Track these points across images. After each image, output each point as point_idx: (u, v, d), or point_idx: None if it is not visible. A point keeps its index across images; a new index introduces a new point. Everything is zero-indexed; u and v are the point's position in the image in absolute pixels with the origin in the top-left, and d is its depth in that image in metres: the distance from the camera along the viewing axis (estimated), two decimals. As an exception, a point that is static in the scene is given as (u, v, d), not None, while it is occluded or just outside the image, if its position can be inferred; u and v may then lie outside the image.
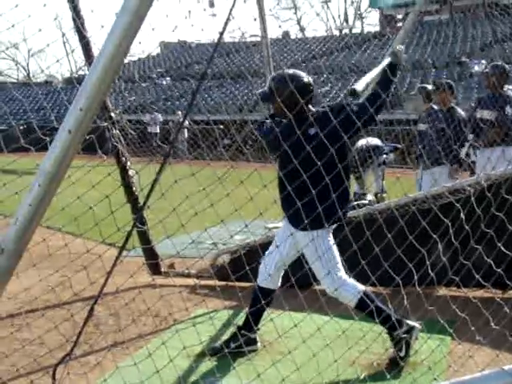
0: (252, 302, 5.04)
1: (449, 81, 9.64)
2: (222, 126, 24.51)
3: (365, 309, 4.62)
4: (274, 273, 4.95)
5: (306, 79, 4.73)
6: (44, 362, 4.78)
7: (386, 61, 4.72)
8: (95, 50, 6.56)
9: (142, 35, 3.48)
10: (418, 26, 31.79)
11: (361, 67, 30.76)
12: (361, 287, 4.70)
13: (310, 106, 4.76)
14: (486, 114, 8.21)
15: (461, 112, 8.68)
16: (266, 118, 4.94)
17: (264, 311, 5.07)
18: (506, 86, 8.44)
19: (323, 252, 4.60)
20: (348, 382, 4.39)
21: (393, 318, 4.66)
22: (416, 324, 4.69)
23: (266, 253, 5.02)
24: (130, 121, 17.69)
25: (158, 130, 25.39)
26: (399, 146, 12.39)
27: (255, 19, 5.97)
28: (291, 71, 4.82)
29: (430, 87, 9.37)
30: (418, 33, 33.84)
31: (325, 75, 27.25)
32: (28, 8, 5.75)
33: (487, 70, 8.56)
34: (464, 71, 28.13)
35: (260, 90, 4.94)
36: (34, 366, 4.74)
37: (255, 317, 5.05)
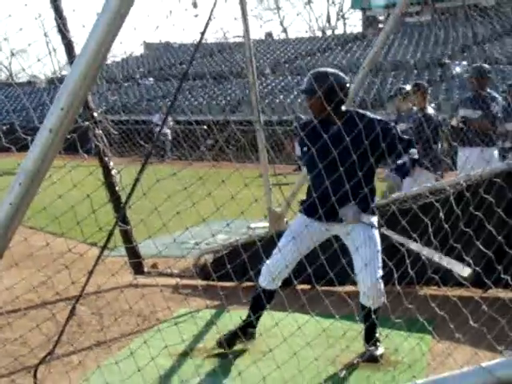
0: (253, 302, 5.05)
1: (421, 82, 9.76)
2: (204, 127, 24.52)
3: (377, 313, 4.69)
4: (280, 275, 4.95)
5: (345, 78, 4.81)
6: (26, 361, 4.76)
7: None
8: (77, 50, 6.54)
9: (123, 35, 3.49)
10: (399, 28, 31.93)
11: (343, 68, 30.88)
12: None
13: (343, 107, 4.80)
14: (469, 113, 8.31)
15: (434, 114, 8.81)
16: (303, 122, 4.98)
17: (264, 310, 5.05)
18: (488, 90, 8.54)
19: (364, 241, 4.63)
20: (329, 380, 4.40)
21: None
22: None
23: (275, 252, 4.93)
24: (113, 121, 17.68)
25: (169, 130, 25.15)
26: None
27: (235, 19, 5.98)
28: (331, 69, 4.89)
29: (408, 88, 9.48)
30: (399, 34, 34.00)
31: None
32: (9, 7, 5.72)
33: (479, 71, 8.62)
34: (445, 72, 28.28)
35: (304, 86, 4.90)
36: (16, 365, 4.72)
37: (255, 314, 5.03)
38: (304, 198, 4.93)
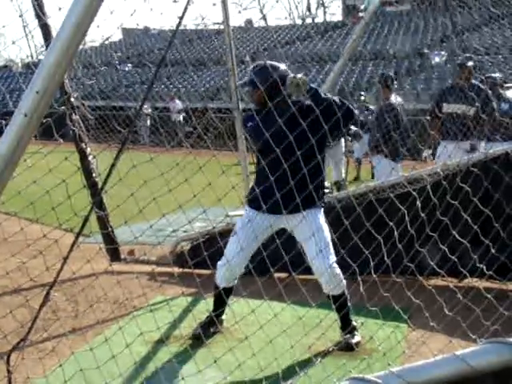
0: (215, 300, 5.20)
1: (386, 72, 9.96)
2: (183, 114, 24.42)
3: (344, 299, 4.77)
4: (234, 274, 5.03)
5: (283, 68, 4.90)
6: (-1, 348, 4.72)
7: None
8: (54, 34, 6.47)
9: (101, 19, 3.45)
10: (378, 16, 31.97)
11: (322, 57, 30.91)
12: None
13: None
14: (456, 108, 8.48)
15: (397, 103, 8.99)
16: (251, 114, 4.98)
17: (226, 304, 5.19)
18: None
19: (316, 230, 4.70)
20: (304, 367, 4.42)
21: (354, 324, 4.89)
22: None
23: (225, 255, 5.03)
24: (90, 106, 17.50)
25: (182, 118, 24.94)
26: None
27: (214, 4, 5.94)
28: (272, 62, 4.98)
29: (391, 74, 9.66)
30: (379, 23, 34.03)
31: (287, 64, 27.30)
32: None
33: (469, 62, 8.72)
34: (424, 62, 28.37)
35: (241, 81, 5.03)
36: (-11, 352, 4.68)
37: (219, 310, 5.13)
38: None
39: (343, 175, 11.99)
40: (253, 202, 4.88)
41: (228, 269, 4.99)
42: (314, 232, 4.67)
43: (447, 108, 8.52)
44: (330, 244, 4.74)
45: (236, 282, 5.10)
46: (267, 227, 4.87)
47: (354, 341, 4.79)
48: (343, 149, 12.03)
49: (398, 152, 8.60)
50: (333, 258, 4.70)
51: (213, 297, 5.19)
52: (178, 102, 25.82)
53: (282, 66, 4.93)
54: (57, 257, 4.45)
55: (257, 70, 4.90)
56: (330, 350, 4.73)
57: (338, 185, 11.47)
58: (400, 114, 8.74)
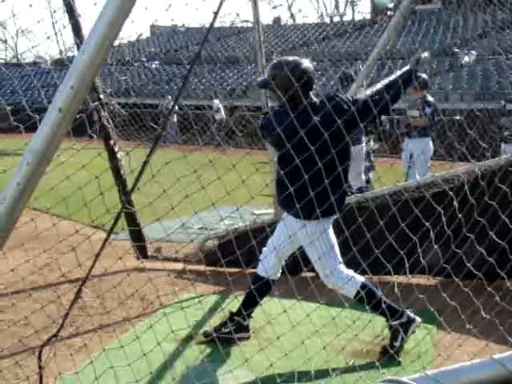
0: (249, 290, 5.01)
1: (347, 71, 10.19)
2: (212, 111, 24.43)
3: (365, 300, 4.64)
4: (275, 262, 4.92)
5: (304, 65, 4.60)
6: (29, 343, 4.73)
7: (406, 68, 4.70)
8: (85, 30, 6.49)
9: (134, 14, 3.42)
10: (409, 15, 31.70)
11: (352, 54, 30.69)
12: (359, 278, 4.69)
13: (311, 94, 4.65)
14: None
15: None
16: (266, 113, 4.90)
17: (260, 301, 5.04)
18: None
19: (316, 240, 4.59)
20: (336, 369, 4.37)
21: (396, 308, 4.70)
22: (417, 318, 4.68)
23: (268, 242, 4.97)
24: (119, 103, 17.62)
25: (224, 116, 24.87)
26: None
27: (248, 1, 5.89)
28: (290, 57, 4.73)
29: (424, 75, 9.87)
30: (409, 22, 33.77)
31: (320, 61, 27.14)
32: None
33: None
34: (454, 62, 28.12)
35: (260, 78, 4.89)
36: (19, 346, 4.69)
37: (250, 305, 5.02)
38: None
39: (371, 178, 11.70)
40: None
41: (276, 256, 4.87)
42: (307, 244, 4.63)
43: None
44: (335, 252, 4.66)
45: (279, 275, 5.02)
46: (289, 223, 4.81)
47: (396, 343, 4.68)
48: (363, 151, 11.45)
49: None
50: (330, 266, 4.63)
51: (247, 294, 5.08)
52: (216, 101, 25.74)
53: (306, 63, 4.65)
54: (86, 253, 4.45)
55: (270, 68, 4.70)
56: (363, 351, 4.66)
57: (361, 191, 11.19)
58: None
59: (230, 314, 5.10)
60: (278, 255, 4.85)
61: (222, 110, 25.04)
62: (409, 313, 4.67)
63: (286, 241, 4.82)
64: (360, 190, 10.04)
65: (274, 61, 4.77)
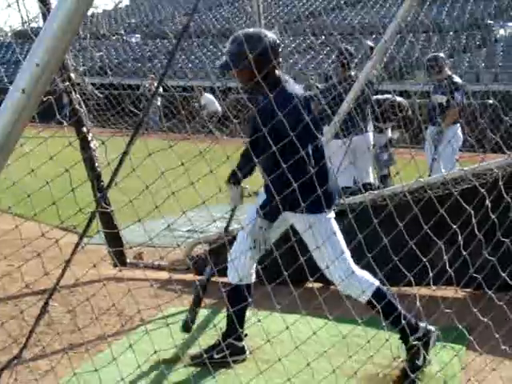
0: (230, 304, 5.04)
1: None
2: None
3: (378, 306, 4.65)
4: (247, 265, 4.97)
5: (271, 38, 4.71)
6: (-14, 366, 4.73)
7: None
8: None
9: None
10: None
11: (370, 26, 30.63)
12: (374, 280, 4.71)
13: (278, 72, 4.76)
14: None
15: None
16: None
17: (246, 311, 5.07)
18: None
19: (325, 238, 4.65)
20: (348, 397, 4.38)
21: (410, 321, 4.69)
22: (432, 328, 4.69)
23: (234, 246, 5.02)
24: (93, 84, 17.58)
25: (219, 109, 24.85)
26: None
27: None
28: (251, 30, 4.89)
29: (442, 55, 9.97)
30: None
31: (330, 35, 27.11)
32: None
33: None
34: (487, 36, 28.14)
35: (219, 62, 4.91)
36: (-25, 370, 4.69)
37: (238, 323, 5.03)
38: None
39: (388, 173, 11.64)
40: None
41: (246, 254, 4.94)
42: (318, 241, 4.67)
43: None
44: (345, 251, 4.74)
45: (253, 277, 5.07)
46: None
47: (417, 362, 4.69)
48: (370, 141, 11.26)
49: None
50: (348, 268, 4.70)
51: (228, 313, 5.12)
52: (206, 96, 25.80)
53: (267, 33, 4.76)
54: (54, 260, 4.45)
55: (233, 44, 4.75)
56: (380, 375, 4.68)
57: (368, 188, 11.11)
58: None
59: (222, 334, 5.12)
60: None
61: (217, 103, 25.00)
62: (422, 324, 4.71)
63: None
64: (365, 187, 10.01)
65: (234, 36, 4.80)
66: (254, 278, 5.12)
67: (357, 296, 4.75)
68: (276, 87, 4.62)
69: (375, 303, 4.67)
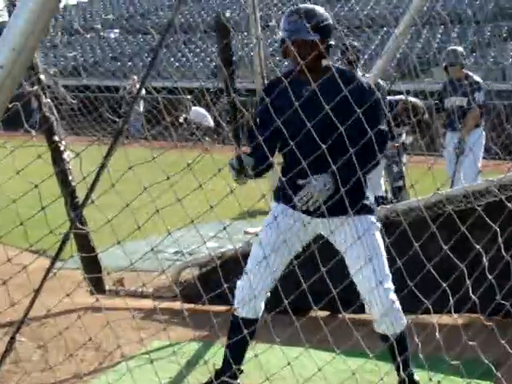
0: (229, 337, 5.02)
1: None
2: (189, 96, 24.42)
3: (404, 342, 4.70)
4: (258, 296, 4.93)
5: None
6: None
7: None
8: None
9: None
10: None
11: (381, 19, 30.77)
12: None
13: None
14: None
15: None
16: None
17: (246, 348, 5.04)
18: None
19: (375, 251, 4.67)
20: None
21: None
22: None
23: (245, 270, 4.98)
24: (66, 86, 17.67)
25: (212, 124, 24.73)
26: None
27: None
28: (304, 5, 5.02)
29: (460, 49, 10.07)
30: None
31: (334, 28, 27.15)
32: None
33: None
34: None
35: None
36: None
37: (237, 358, 5.01)
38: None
39: (399, 183, 11.63)
40: (283, 195, 4.82)
41: (250, 287, 4.88)
42: (369, 251, 4.64)
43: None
44: (387, 266, 4.72)
45: (261, 313, 5.01)
46: (299, 229, 4.81)
47: None
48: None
49: None
50: (389, 284, 4.69)
51: (227, 338, 5.10)
52: (195, 109, 25.76)
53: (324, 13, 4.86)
54: (22, 288, 4.45)
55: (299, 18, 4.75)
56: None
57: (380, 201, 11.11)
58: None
59: (214, 372, 5.10)
60: (270, 271, 4.87)
61: (209, 117, 24.84)
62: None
63: (281, 246, 4.83)
64: (377, 201, 9.96)
65: (290, 10, 4.87)
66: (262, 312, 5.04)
67: (385, 328, 4.73)
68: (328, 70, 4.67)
69: (394, 340, 4.68)
